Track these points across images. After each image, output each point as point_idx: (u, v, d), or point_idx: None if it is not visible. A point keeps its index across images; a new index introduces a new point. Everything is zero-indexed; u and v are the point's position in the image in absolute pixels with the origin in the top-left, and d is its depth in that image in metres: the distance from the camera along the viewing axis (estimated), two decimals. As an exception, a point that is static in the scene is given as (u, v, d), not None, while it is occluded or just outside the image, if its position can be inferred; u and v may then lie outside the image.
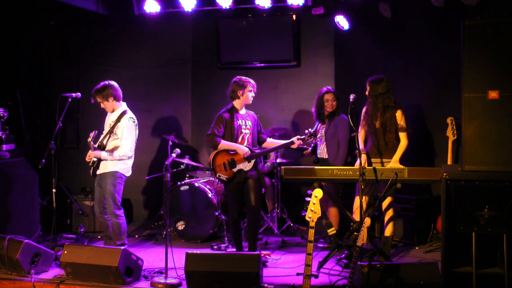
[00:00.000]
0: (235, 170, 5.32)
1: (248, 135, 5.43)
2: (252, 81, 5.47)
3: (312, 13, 6.89)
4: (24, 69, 7.74)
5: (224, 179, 5.35)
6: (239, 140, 5.38)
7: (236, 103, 5.44)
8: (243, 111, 5.49)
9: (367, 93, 5.46)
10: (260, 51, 7.23)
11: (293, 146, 5.41)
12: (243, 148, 5.32)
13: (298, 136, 5.39)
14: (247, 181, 5.36)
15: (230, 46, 7.36)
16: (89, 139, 5.56)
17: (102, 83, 5.66)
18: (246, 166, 5.34)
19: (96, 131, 5.63)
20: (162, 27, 7.54)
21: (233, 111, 5.43)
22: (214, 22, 7.34)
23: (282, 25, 7.13)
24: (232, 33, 7.34)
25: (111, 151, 5.54)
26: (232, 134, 5.34)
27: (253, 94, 5.47)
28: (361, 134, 5.51)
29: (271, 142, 5.63)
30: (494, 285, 4.01)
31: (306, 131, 5.35)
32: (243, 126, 5.41)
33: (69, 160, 7.58)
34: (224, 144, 5.32)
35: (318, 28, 7.10)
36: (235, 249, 5.58)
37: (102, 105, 5.69)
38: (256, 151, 5.41)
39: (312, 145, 6.05)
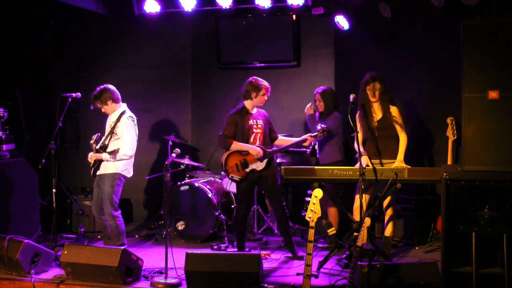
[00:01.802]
0: (247, 170, 5.36)
1: (259, 134, 5.46)
2: (266, 83, 5.50)
3: (312, 13, 6.89)
4: (24, 69, 7.75)
5: (237, 179, 5.38)
6: (251, 139, 5.41)
7: (248, 103, 5.48)
8: (254, 111, 5.53)
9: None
10: (260, 51, 7.23)
11: (305, 144, 5.43)
12: (255, 148, 5.35)
13: (310, 134, 5.40)
14: (261, 181, 5.40)
15: (230, 46, 7.36)
16: (92, 142, 5.63)
17: (98, 88, 5.69)
18: (259, 165, 5.38)
19: (99, 134, 5.68)
20: (162, 27, 7.54)
21: (244, 111, 5.46)
22: (214, 22, 7.34)
23: (282, 25, 7.13)
24: (232, 33, 7.34)
25: (112, 152, 5.55)
26: (244, 134, 5.38)
27: (266, 98, 5.50)
28: (360, 137, 5.46)
29: (282, 140, 5.66)
30: (494, 285, 4.01)
31: (319, 127, 5.35)
32: (254, 126, 5.45)
33: (69, 160, 7.58)
34: (236, 145, 5.35)
35: (318, 28, 7.10)
36: (236, 249, 5.58)
37: (102, 110, 5.72)
38: (268, 150, 5.44)
39: (311, 147, 6.05)
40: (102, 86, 5.70)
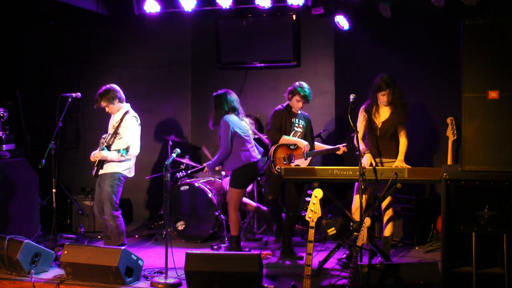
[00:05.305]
0: (293, 164, 5.49)
1: (299, 134, 5.63)
2: (306, 92, 5.49)
3: (312, 13, 6.89)
4: (24, 69, 7.74)
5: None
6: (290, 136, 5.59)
7: (291, 103, 5.64)
8: (298, 111, 5.68)
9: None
10: (260, 51, 7.24)
11: (338, 152, 5.57)
12: (303, 142, 5.53)
13: (345, 143, 5.53)
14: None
15: (230, 46, 7.36)
16: (102, 140, 5.62)
17: (104, 87, 5.68)
18: (303, 162, 5.53)
19: (110, 133, 5.65)
20: (162, 27, 7.54)
21: (289, 108, 5.65)
22: (214, 22, 7.34)
23: (282, 25, 7.13)
24: (232, 33, 7.34)
25: (117, 151, 5.53)
26: (286, 130, 5.57)
27: (301, 105, 5.58)
28: (360, 134, 5.44)
29: (318, 145, 5.83)
30: (494, 285, 4.01)
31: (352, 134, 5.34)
32: (296, 125, 5.62)
33: (69, 160, 7.59)
34: (285, 138, 5.54)
35: (318, 28, 7.11)
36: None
37: (107, 109, 5.71)
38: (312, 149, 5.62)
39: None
40: (107, 86, 5.69)
